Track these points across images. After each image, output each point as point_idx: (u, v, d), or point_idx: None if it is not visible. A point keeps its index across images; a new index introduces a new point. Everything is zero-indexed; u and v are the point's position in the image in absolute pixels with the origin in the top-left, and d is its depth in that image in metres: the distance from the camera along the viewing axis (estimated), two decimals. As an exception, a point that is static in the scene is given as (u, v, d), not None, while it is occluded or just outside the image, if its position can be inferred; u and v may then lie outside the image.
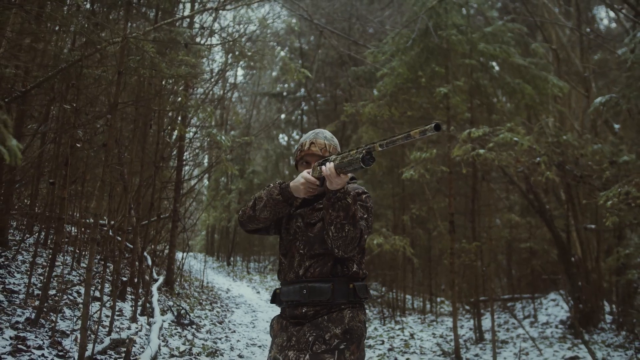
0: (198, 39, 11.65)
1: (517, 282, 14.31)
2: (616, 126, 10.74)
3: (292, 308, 2.65)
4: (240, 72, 23.73)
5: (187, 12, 11.74)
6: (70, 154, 6.45)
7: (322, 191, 2.68)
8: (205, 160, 18.74)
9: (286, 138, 28.47)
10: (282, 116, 25.10)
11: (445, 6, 7.94)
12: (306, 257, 2.65)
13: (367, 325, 2.83)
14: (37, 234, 9.42)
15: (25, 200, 10.54)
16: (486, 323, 10.60)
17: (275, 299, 2.81)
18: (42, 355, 5.39)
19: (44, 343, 5.68)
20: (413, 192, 13.39)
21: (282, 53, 21.43)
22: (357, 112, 9.04)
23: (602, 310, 9.91)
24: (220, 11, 10.73)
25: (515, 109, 8.92)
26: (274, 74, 24.32)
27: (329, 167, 2.41)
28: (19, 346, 5.35)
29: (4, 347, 5.17)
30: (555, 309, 11.13)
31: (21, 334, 5.64)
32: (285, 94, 24.47)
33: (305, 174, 2.61)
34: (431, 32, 7.83)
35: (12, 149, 1.79)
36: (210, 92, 13.90)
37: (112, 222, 10.33)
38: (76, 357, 5.47)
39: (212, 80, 13.07)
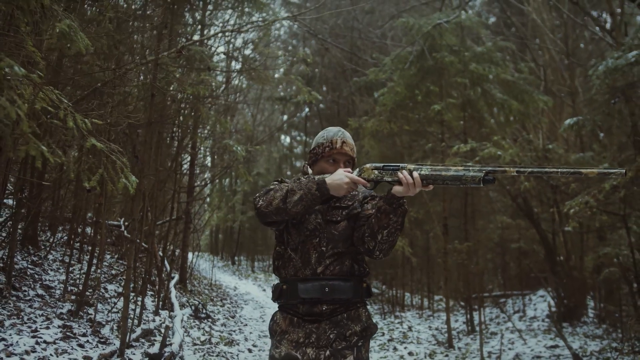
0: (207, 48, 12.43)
1: (510, 280, 15.15)
2: (601, 134, 11.50)
3: (311, 305, 2.62)
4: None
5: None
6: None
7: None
8: (208, 162, 19.47)
9: (288, 140, 29.23)
10: (285, 117, 25.78)
11: (439, 30, 8.79)
12: (327, 254, 2.64)
13: None
14: (71, 235, 10.22)
15: (47, 205, 11.30)
16: (478, 317, 11.47)
17: (281, 295, 2.74)
18: (87, 341, 6.20)
19: (87, 331, 6.49)
20: (413, 196, 14.15)
21: (285, 57, 22.19)
22: (360, 127, 9.94)
23: (586, 305, 10.73)
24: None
25: (505, 121, 9.73)
26: (276, 75, 25.02)
27: (415, 176, 2.40)
28: (67, 333, 6.17)
29: (56, 334, 5.98)
30: (543, 304, 11.98)
31: (67, 324, 6.46)
32: (289, 97, 25.18)
33: (348, 173, 2.55)
34: (426, 55, 8.68)
35: (132, 182, 2.61)
36: (218, 101, 14.66)
37: (127, 224, 11.17)
38: (116, 343, 6.30)
39: (219, 89, 13.83)
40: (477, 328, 10.45)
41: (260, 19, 8.74)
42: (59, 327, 6.26)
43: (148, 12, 9.99)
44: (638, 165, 5.58)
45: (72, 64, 8.49)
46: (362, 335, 2.60)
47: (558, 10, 13.23)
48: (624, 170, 1.95)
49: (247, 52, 15.17)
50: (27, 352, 5.25)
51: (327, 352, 2.52)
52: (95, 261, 10.14)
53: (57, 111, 2.63)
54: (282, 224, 2.77)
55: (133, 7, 9.53)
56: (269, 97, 25.35)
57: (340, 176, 2.53)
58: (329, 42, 14.26)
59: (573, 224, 6.35)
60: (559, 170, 2.02)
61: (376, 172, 2.57)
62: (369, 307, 12.69)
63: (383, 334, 10.32)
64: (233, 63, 15.99)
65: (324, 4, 13.33)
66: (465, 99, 9.03)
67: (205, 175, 18.18)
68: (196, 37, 12.14)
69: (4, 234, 8.49)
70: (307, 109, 23.96)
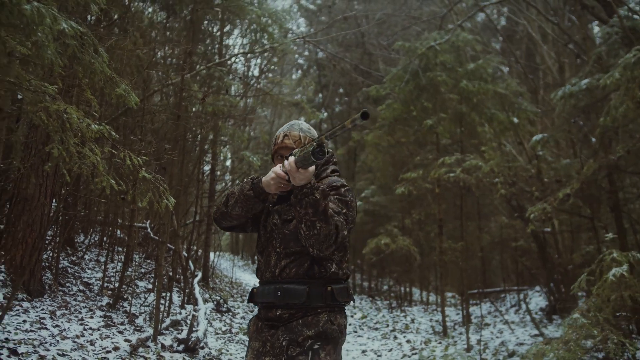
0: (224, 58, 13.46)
1: (510, 276, 15.98)
2: (593, 140, 12.26)
3: (267, 310, 2.49)
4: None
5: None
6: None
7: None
8: (227, 163, 20.45)
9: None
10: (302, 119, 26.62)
11: (434, 50, 9.69)
12: (282, 255, 2.48)
13: (346, 330, 2.57)
14: (102, 238, 11.29)
15: (81, 210, 12.38)
16: (477, 311, 12.40)
17: (252, 298, 2.60)
18: (125, 329, 7.25)
19: (124, 321, 7.54)
20: (419, 197, 15.06)
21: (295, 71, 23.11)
22: (362, 139, 10.94)
23: (577, 299, 11.53)
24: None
25: (500, 131, 10.56)
26: (294, 77, 25.98)
27: (289, 162, 2.21)
28: (108, 322, 7.22)
29: (99, 322, 7.03)
30: (538, 298, 12.82)
31: (107, 314, 7.51)
32: (305, 102, 26.03)
33: (276, 168, 2.39)
34: (420, 74, 9.60)
35: (171, 202, 3.57)
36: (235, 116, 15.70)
37: (153, 226, 12.26)
38: (150, 331, 7.34)
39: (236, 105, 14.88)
40: (474, 320, 11.36)
41: (271, 44, 9.71)
42: (100, 317, 7.31)
43: (168, 24, 10.97)
44: (582, 177, 6.42)
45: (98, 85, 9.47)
46: (317, 339, 2.37)
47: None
48: (361, 113, 1.88)
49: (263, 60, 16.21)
50: (77, 337, 6.29)
51: None
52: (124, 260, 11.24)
53: (118, 152, 3.63)
54: (248, 227, 2.72)
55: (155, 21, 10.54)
56: (286, 101, 26.22)
57: (270, 173, 2.42)
58: (338, 56, 15.22)
59: (532, 226, 7.26)
60: (336, 128, 2.01)
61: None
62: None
63: (387, 326, 11.27)
64: (250, 71, 17.10)
65: (334, 21, 14.27)
66: (458, 112, 9.93)
67: (226, 178, 19.17)
68: (214, 48, 13.21)
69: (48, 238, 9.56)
70: (323, 111, 24.79)
